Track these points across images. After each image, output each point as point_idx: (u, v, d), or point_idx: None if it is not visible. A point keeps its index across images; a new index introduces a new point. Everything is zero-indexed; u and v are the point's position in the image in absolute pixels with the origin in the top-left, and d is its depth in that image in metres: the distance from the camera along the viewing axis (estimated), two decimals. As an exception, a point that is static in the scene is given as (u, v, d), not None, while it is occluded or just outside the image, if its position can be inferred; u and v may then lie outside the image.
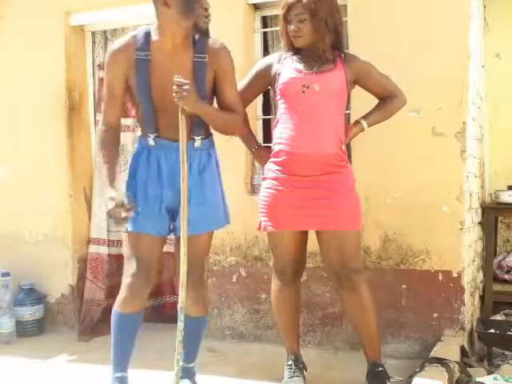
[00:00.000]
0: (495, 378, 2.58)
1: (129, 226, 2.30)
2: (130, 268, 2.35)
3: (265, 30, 3.59)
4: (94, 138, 3.96)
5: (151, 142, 2.34)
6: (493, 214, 3.87)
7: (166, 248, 3.83)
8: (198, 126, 2.35)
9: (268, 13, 3.54)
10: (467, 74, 3.00)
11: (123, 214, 2.20)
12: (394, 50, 3.08)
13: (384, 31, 3.11)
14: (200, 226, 2.35)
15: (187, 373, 2.54)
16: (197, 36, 2.31)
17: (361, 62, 2.56)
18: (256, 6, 3.51)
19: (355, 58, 2.56)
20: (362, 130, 2.58)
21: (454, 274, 3.01)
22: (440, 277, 3.04)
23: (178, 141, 2.26)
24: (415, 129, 3.06)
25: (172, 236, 2.47)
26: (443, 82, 3.00)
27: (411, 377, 2.53)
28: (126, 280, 2.37)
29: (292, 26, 2.47)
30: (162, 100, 2.28)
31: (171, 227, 2.41)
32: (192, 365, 2.57)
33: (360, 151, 3.18)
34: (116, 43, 2.35)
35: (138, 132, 2.47)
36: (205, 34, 2.31)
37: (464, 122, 2.98)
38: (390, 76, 2.62)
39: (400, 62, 3.05)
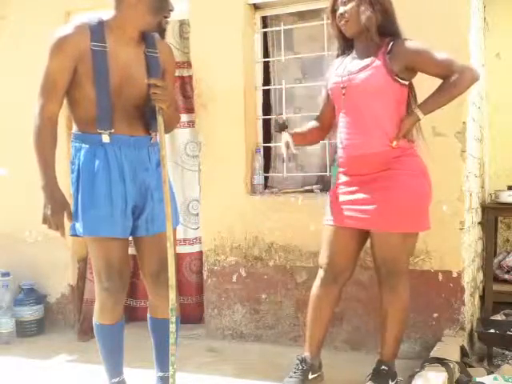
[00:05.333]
0: (495, 378, 2.58)
1: (97, 231, 2.20)
2: (103, 276, 2.26)
3: (265, 30, 3.59)
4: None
5: (105, 138, 2.20)
6: (493, 214, 3.87)
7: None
8: (152, 120, 2.25)
9: (268, 13, 3.54)
10: (467, 73, 3.00)
11: (65, 219, 2.15)
12: (394, 49, 3.07)
13: (384, 31, 3.11)
14: (164, 222, 2.21)
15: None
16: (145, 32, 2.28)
17: (407, 48, 2.38)
18: (256, 6, 3.51)
19: (402, 45, 2.39)
20: (418, 119, 2.39)
21: (454, 274, 3.01)
22: (440, 277, 3.04)
23: (134, 135, 2.25)
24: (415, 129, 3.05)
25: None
26: (443, 82, 3.00)
27: (411, 377, 2.53)
28: (101, 289, 2.28)
29: (339, 12, 2.43)
30: (119, 93, 2.21)
31: (134, 231, 2.31)
32: (167, 373, 2.30)
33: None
34: (66, 29, 2.19)
35: (74, 129, 2.30)
36: (163, 34, 2.32)
37: (464, 122, 2.98)
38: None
39: (400, 61, 3.05)
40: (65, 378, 3.00)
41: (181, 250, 3.82)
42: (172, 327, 2.19)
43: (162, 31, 2.29)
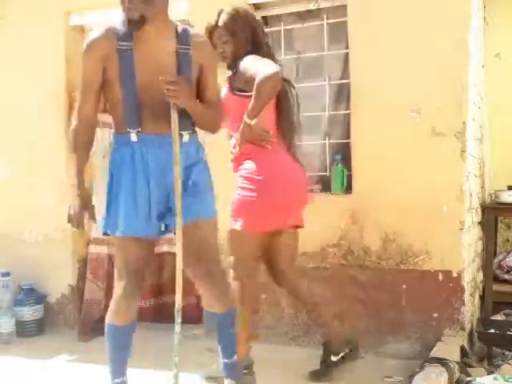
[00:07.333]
0: (495, 378, 2.58)
1: (119, 230, 2.22)
2: (121, 277, 2.27)
3: (265, 30, 3.58)
4: (94, 137, 3.95)
5: (134, 137, 2.20)
6: (493, 214, 3.86)
7: (165, 248, 3.89)
8: (185, 120, 2.23)
9: (268, 12, 3.54)
10: (467, 74, 3.01)
11: (86, 217, 2.22)
12: (394, 50, 3.08)
13: (384, 31, 3.11)
14: (188, 214, 2.19)
15: (229, 368, 2.43)
16: (180, 28, 2.25)
17: (239, 66, 2.62)
18: (256, 6, 3.51)
19: (239, 64, 2.63)
20: (247, 125, 2.54)
21: (454, 274, 3.01)
22: (440, 277, 3.04)
23: (162, 134, 2.21)
24: (415, 129, 3.06)
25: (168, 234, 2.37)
26: (443, 82, 3.00)
27: (411, 377, 2.53)
28: (118, 290, 2.29)
29: (218, 49, 2.68)
30: (146, 92, 2.19)
31: (163, 227, 2.29)
32: (232, 359, 2.41)
33: (360, 151, 3.18)
34: (94, 33, 2.23)
35: (112, 129, 2.34)
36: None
37: (464, 122, 2.98)
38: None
39: (400, 61, 3.06)
40: (65, 377, 3.01)
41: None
42: (177, 327, 2.18)
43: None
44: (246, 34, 2.67)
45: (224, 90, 2.69)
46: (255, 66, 2.52)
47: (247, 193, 2.59)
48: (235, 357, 2.41)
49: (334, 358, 2.81)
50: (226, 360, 2.42)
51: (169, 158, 2.22)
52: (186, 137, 2.26)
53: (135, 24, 2.18)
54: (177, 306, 2.17)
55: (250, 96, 2.50)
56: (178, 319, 2.18)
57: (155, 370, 2.90)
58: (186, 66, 2.24)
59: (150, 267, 2.48)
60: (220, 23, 2.68)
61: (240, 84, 2.62)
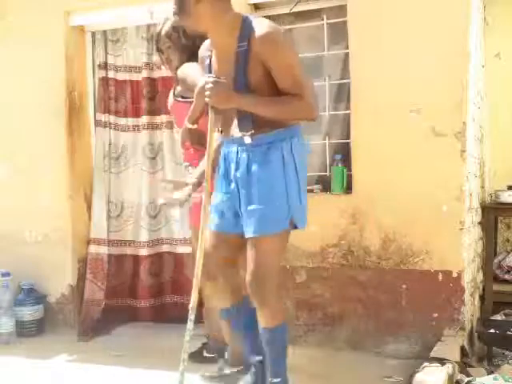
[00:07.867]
0: (495, 378, 2.58)
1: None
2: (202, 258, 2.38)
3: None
4: (94, 137, 3.96)
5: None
6: (493, 213, 3.87)
7: (165, 248, 3.89)
8: (246, 121, 2.18)
9: (268, 12, 3.54)
10: (467, 74, 3.01)
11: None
12: (394, 49, 3.08)
13: (384, 31, 3.11)
14: (246, 228, 2.21)
15: None
16: (245, 22, 2.16)
17: None
18: (256, 6, 3.51)
19: None
20: (186, 128, 2.55)
21: (454, 274, 3.01)
22: (440, 277, 3.04)
23: (227, 136, 2.24)
24: (415, 129, 3.06)
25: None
26: (443, 82, 3.00)
27: (411, 376, 2.53)
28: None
29: (164, 55, 2.90)
30: None
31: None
32: (276, 380, 2.28)
33: (360, 151, 3.18)
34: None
35: None
36: None
37: (464, 122, 2.98)
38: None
39: (400, 61, 3.06)
40: (65, 377, 3.00)
41: (181, 250, 3.81)
42: (189, 324, 2.21)
43: None
44: (187, 43, 2.76)
45: (170, 96, 2.93)
46: (192, 73, 2.60)
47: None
48: (276, 380, 2.27)
49: (206, 354, 3.03)
50: (270, 379, 2.33)
51: (231, 161, 2.26)
52: (246, 139, 2.20)
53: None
54: (191, 304, 2.22)
55: (191, 102, 2.49)
56: (192, 316, 2.22)
57: (156, 369, 2.90)
58: (241, 64, 2.15)
59: (231, 257, 2.38)
60: (162, 31, 2.83)
61: (181, 91, 2.81)
